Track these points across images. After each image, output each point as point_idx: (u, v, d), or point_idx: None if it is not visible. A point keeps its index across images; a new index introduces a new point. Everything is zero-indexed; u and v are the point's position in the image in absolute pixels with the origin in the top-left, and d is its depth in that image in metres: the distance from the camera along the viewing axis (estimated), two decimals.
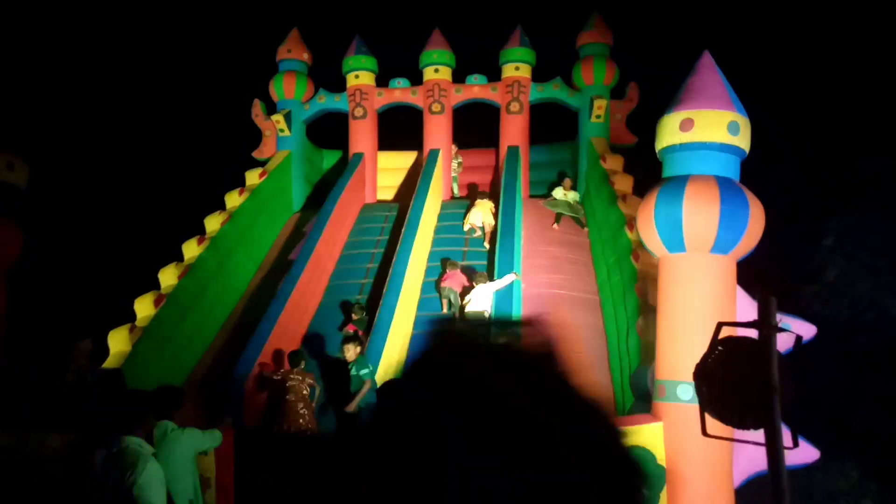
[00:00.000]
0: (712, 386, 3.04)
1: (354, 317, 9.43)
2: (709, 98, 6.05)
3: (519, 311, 8.83)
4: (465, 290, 9.66)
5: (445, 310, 9.98)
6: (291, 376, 7.94)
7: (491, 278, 9.74)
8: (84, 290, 15.15)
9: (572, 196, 12.28)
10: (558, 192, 12.15)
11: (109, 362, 8.47)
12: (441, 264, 10.75)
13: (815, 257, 12.56)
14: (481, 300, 9.02)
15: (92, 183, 17.70)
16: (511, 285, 9.27)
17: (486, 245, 11.21)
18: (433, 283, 10.70)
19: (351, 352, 7.82)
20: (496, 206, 11.56)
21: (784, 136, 15.18)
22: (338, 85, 14.01)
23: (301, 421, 7.71)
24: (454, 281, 9.88)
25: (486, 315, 9.04)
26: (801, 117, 15.74)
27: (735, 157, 6.19)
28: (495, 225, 11.05)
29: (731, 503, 5.95)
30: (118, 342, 8.63)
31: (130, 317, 9.21)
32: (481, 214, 11.43)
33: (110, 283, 13.60)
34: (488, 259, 10.82)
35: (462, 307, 9.47)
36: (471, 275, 9.91)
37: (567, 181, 12.40)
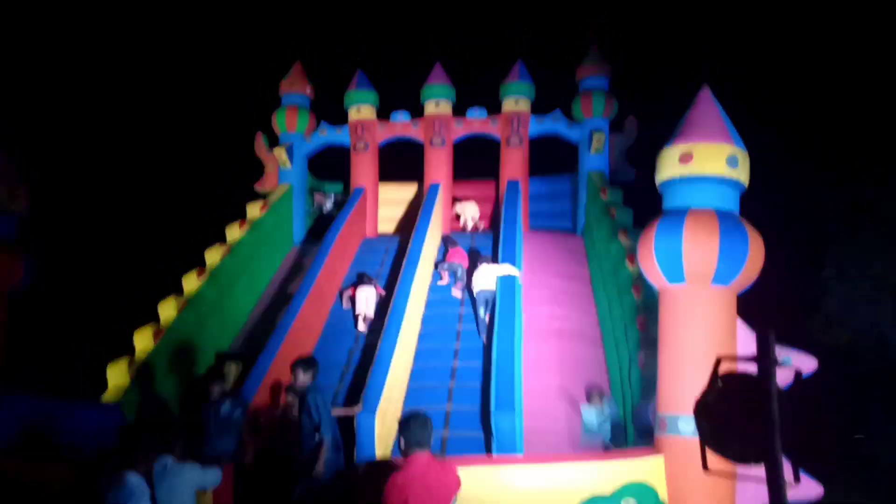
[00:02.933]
0: (712, 421, 3.03)
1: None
2: (708, 131, 6.12)
3: (520, 347, 8.79)
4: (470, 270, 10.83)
5: (447, 281, 11.22)
6: (292, 411, 7.83)
7: (492, 314, 9.78)
8: (84, 322, 15.12)
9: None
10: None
11: (108, 395, 8.42)
12: (442, 243, 12.19)
13: (816, 287, 12.58)
14: (490, 281, 9.89)
15: (95, 214, 17.78)
16: (514, 289, 9.61)
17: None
18: (433, 316, 10.68)
19: (302, 376, 6.72)
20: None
21: (784, 166, 15.29)
22: (339, 118, 14.17)
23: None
24: (459, 257, 11.26)
25: (493, 291, 9.82)
26: (802, 148, 15.88)
27: (734, 190, 6.24)
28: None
29: None
30: (117, 375, 8.59)
31: (130, 350, 9.18)
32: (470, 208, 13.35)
33: (110, 315, 13.59)
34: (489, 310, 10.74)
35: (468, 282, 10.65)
36: (476, 256, 11.04)
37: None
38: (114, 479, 4.25)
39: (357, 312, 10.63)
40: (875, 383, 11.98)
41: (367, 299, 10.61)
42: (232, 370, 8.73)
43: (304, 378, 6.70)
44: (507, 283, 9.86)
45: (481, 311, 10.01)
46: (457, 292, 11.06)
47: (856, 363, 11.98)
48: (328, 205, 14.07)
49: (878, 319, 11.72)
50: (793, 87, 16.82)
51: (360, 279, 10.99)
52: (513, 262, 10.28)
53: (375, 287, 10.80)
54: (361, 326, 10.56)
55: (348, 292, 11.03)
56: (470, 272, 10.73)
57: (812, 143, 15.59)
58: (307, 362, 6.81)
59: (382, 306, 10.61)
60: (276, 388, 8.54)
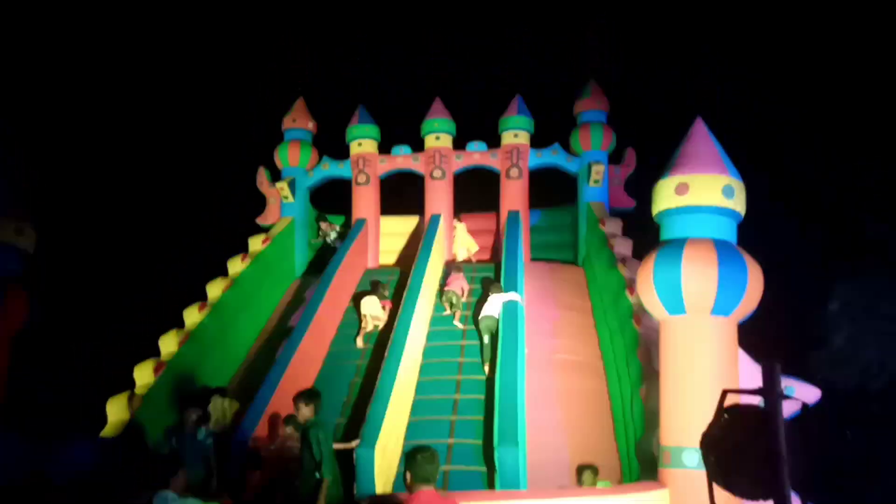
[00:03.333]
0: (719, 455, 3.00)
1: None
2: (703, 163, 6.20)
3: (523, 380, 8.75)
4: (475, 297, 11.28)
5: (448, 311, 11.16)
6: (289, 443, 7.77)
7: (494, 339, 9.77)
8: (85, 356, 15.06)
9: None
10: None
11: (107, 430, 8.36)
12: (445, 267, 12.27)
13: (822, 322, 12.52)
14: (494, 309, 10.05)
15: (97, 246, 17.82)
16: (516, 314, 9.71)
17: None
18: (435, 348, 10.64)
19: (305, 410, 6.58)
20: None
21: (789, 200, 15.36)
22: (341, 151, 14.31)
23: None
24: (456, 284, 11.27)
25: (497, 319, 9.94)
26: (807, 181, 15.95)
27: (731, 220, 6.29)
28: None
29: None
30: (117, 410, 8.53)
31: (130, 384, 9.13)
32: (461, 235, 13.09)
33: (111, 350, 13.53)
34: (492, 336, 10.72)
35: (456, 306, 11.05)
36: (488, 284, 11.15)
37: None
38: None
39: (362, 323, 11.04)
40: (886, 423, 11.83)
41: (370, 309, 10.99)
42: (219, 404, 8.60)
43: (306, 412, 6.59)
44: (509, 313, 9.86)
45: (485, 338, 10.02)
46: (458, 323, 11.05)
47: (867, 402, 11.86)
48: (332, 235, 14.04)
49: (886, 358, 11.63)
50: (800, 118, 16.95)
51: (372, 288, 11.55)
52: (514, 290, 10.29)
53: (382, 302, 11.18)
54: (360, 343, 10.79)
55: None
56: (481, 300, 10.85)
57: (816, 179, 15.68)
58: (310, 395, 6.70)
59: (384, 335, 10.60)
60: (276, 422, 8.48)
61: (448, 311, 11.30)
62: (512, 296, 10.15)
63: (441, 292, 11.60)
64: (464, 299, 11.40)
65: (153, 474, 4.90)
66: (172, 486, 4.81)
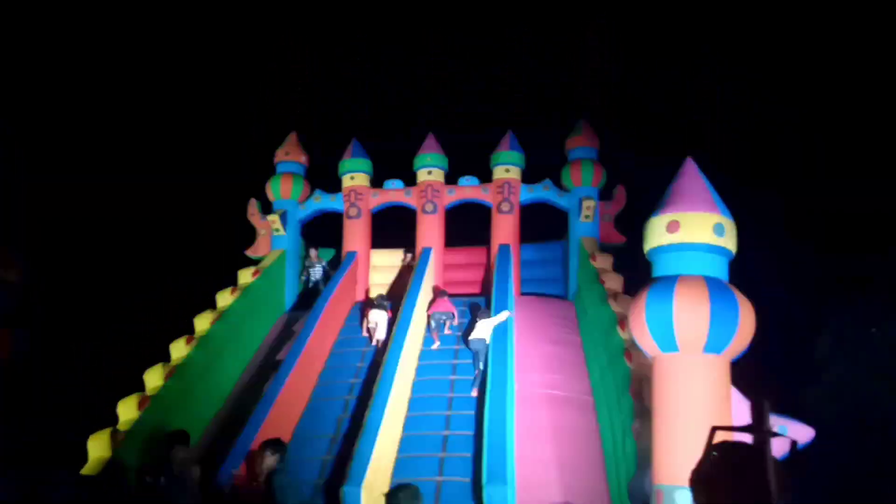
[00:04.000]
0: (709, 493, 2.95)
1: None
2: (694, 201, 6.24)
3: (512, 416, 8.64)
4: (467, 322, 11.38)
5: (436, 343, 11.33)
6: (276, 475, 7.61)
7: (483, 379, 9.69)
8: (68, 391, 14.82)
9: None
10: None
11: (88, 468, 8.17)
12: (433, 292, 12.36)
13: (816, 357, 12.47)
14: (483, 331, 10.30)
15: (83, 279, 17.68)
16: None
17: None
18: (424, 382, 10.54)
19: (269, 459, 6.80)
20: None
21: (781, 234, 15.42)
22: (333, 184, 14.34)
23: None
24: (443, 306, 11.64)
25: (487, 343, 10.19)
26: (798, 215, 16.04)
27: (722, 258, 6.30)
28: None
29: None
30: (98, 447, 8.35)
31: (113, 419, 8.96)
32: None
33: (95, 383, 13.33)
34: (483, 357, 10.70)
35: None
36: (476, 310, 11.33)
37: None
38: None
39: (369, 332, 11.62)
40: (882, 459, 11.72)
41: (377, 322, 11.52)
42: (178, 456, 7.39)
43: (270, 461, 6.79)
44: (499, 347, 9.80)
45: (480, 364, 10.17)
46: (448, 331, 11.46)
47: (862, 437, 11.74)
48: (318, 269, 13.80)
49: (882, 394, 11.55)
50: (794, 155, 17.12)
51: (375, 301, 11.95)
52: (504, 331, 10.24)
53: (387, 311, 11.62)
54: (373, 342, 11.49)
55: (365, 313, 11.90)
56: (470, 325, 11.04)
57: (809, 214, 15.79)
58: (276, 445, 6.97)
59: (372, 372, 10.49)
60: (262, 458, 8.29)
61: (436, 342, 11.36)
62: (501, 317, 10.46)
63: (428, 317, 11.72)
64: (454, 322, 11.64)
65: None
66: None
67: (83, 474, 8.01)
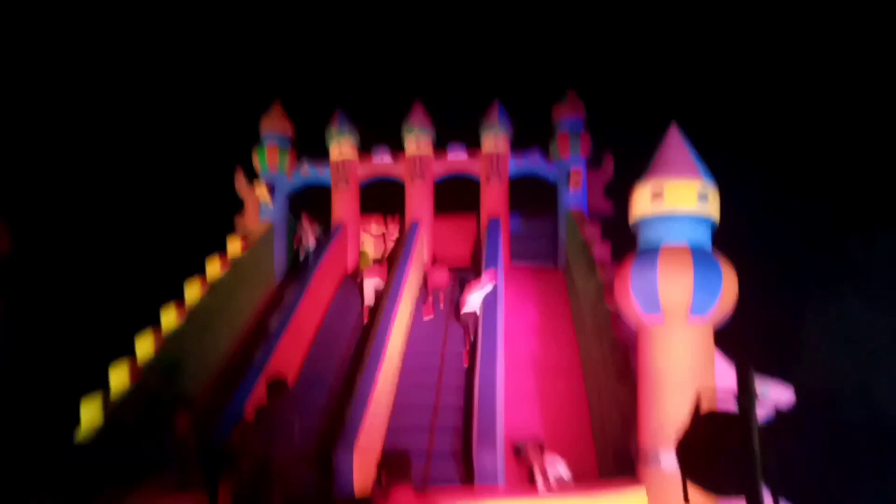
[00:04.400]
0: (693, 454, 3.07)
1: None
2: (678, 169, 6.28)
3: (501, 383, 8.80)
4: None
5: (431, 316, 11.58)
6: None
7: (474, 350, 9.83)
8: (60, 358, 14.82)
9: None
10: None
11: (81, 435, 8.23)
12: (430, 263, 12.83)
13: (799, 334, 12.70)
14: (473, 304, 10.54)
15: (70, 247, 17.56)
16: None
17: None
18: (414, 352, 10.66)
19: None
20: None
21: (768, 208, 15.58)
22: (320, 151, 14.24)
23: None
24: (439, 278, 11.88)
25: (477, 315, 10.38)
26: (788, 189, 16.21)
27: (706, 225, 6.37)
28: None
29: None
30: (91, 411, 8.40)
31: (105, 384, 9.00)
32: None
33: (86, 350, 13.33)
34: (473, 329, 10.81)
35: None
36: (466, 283, 11.39)
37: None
38: None
39: (366, 299, 12.02)
40: (858, 430, 12.05)
41: (373, 288, 12.00)
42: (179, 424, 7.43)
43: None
44: (488, 317, 9.92)
45: (472, 336, 10.35)
46: (441, 305, 11.70)
47: (839, 410, 12.05)
48: (311, 240, 13.72)
49: (859, 369, 11.82)
50: (785, 135, 17.22)
51: (368, 267, 12.49)
52: (494, 301, 10.34)
53: (380, 274, 12.09)
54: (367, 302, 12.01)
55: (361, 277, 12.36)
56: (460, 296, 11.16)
57: (800, 189, 15.94)
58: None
59: (363, 343, 10.61)
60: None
61: (431, 314, 11.56)
62: (487, 287, 10.64)
63: (424, 288, 12.03)
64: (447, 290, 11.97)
65: (134, 475, 4.86)
66: (156, 486, 4.77)
67: (78, 438, 8.07)
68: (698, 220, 6.26)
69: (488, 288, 10.68)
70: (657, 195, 6.22)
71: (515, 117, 13.92)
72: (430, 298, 11.76)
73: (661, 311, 6.10)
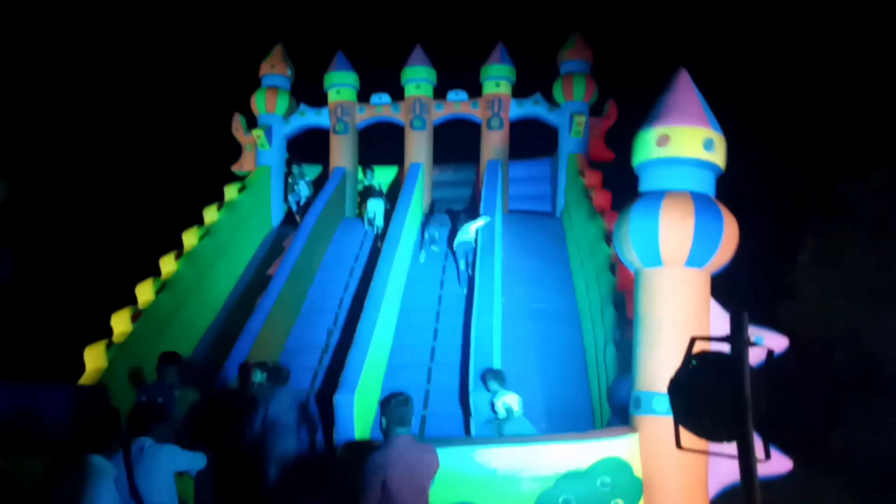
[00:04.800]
0: (686, 399, 3.09)
1: None
2: (685, 115, 6.15)
3: (499, 328, 8.87)
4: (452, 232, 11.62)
5: (432, 246, 11.81)
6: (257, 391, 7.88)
7: (470, 302, 9.88)
8: (61, 305, 14.95)
9: None
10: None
11: (85, 378, 8.36)
12: (429, 209, 13.09)
13: (791, 277, 12.73)
14: (467, 234, 10.71)
15: (68, 197, 17.52)
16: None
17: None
18: (413, 296, 10.73)
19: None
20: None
21: (764, 155, 15.43)
22: (319, 100, 14.05)
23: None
24: (437, 220, 12.20)
25: (473, 244, 10.61)
26: (781, 136, 16.04)
27: (710, 173, 6.29)
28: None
29: None
30: (94, 358, 8.52)
31: (107, 332, 9.10)
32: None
33: (87, 298, 13.43)
34: (470, 276, 10.86)
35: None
36: (460, 218, 11.67)
37: None
38: (74, 463, 4.23)
39: (369, 222, 12.55)
40: (849, 376, 12.20)
41: (375, 212, 12.48)
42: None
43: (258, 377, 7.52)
44: (486, 260, 9.93)
45: (461, 264, 10.69)
46: (434, 247, 11.80)
47: (830, 355, 12.18)
48: (302, 186, 13.29)
49: (851, 316, 11.88)
50: (776, 75, 16.96)
51: (369, 192, 12.83)
52: (491, 247, 10.34)
53: (385, 201, 12.36)
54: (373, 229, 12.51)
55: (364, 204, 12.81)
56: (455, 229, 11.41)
57: (792, 132, 15.77)
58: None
59: (362, 288, 10.66)
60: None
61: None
62: (480, 221, 10.77)
63: (422, 228, 12.19)
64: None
65: (129, 421, 4.92)
66: (153, 434, 4.83)
67: (81, 384, 8.19)
68: (704, 167, 6.17)
69: (485, 220, 10.76)
70: (663, 140, 6.11)
71: (519, 63, 13.64)
72: (427, 240, 11.87)
73: (659, 255, 6.07)
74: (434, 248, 11.81)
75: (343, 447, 5.80)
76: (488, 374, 7.57)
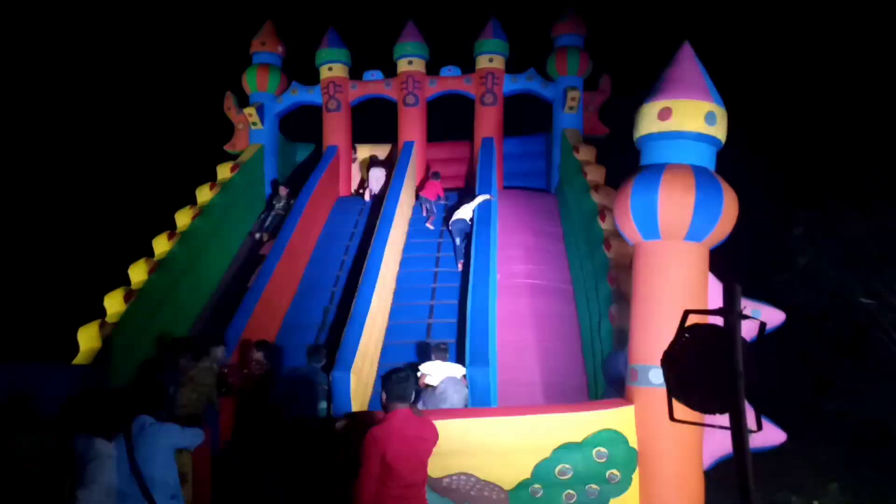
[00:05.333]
0: (679, 372, 3.11)
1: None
2: (688, 88, 6.11)
3: (494, 303, 8.90)
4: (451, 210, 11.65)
5: (424, 213, 12.10)
6: (259, 368, 7.96)
7: (467, 268, 9.91)
8: (53, 286, 14.91)
9: None
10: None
11: (79, 359, 8.37)
12: (425, 176, 13.11)
13: (786, 246, 12.78)
14: (465, 213, 10.97)
15: (62, 177, 17.39)
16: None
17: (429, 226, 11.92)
18: (408, 274, 10.75)
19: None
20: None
21: (760, 126, 15.39)
22: (311, 77, 13.93)
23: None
24: (430, 191, 12.24)
25: (468, 223, 10.85)
26: (777, 107, 16.00)
27: (711, 147, 6.27)
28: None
29: (701, 485, 6.07)
30: (88, 339, 8.52)
31: (101, 313, 9.09)
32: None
33: (80, 278, 13.40)
34: (465, 251, 10.87)
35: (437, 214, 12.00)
36: (459, 197, 12.07)
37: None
38: (75, 442, 4.26)
39: (370, 189, 13.08)
40: (843, 344, 12.31)
41: (377, 178, 13.07)
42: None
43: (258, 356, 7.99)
44: (481, 236, 9.94)
45: (457, 240, 10.85)
46: (429, 225, 11.90)
47: (823, 323, 12.27)
48: (281, 205, 12.44)
49: (846, 284, 11.95)
50: (776, 48, 16.85)
51: (373, 162, 13.61)
52: (487, 223, 10.35)
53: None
54: (367, 197, 13.01)
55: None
56: (454, 207, 11.62)
57: (787, 108, 15.73)
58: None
59: (357, 266, 10.67)
60: (249, 349, 8.55)
61: (425, 214, 12.06)
62: (480, 198, 10.99)
63: (417, 196, 12.41)
64: (442, 202, 12.43)
65: (129, 401, 4.94)
66: (152, 413, 4.86)
67: (75, 364, 8.21)
68: (705, 141, 6.15)
69: (483, 198, 10.97)
70: (665, 113, 6.08)
71: (512, 38, 13.52)
72: (424, 211, 12.05)
73: (658, 229, 6.07)
74: (429, 225, 11.85)
75: (342, 419, 5.85)
76: (434, 350, 7.56)
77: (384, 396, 4.45)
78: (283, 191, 12.67)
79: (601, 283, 8.42)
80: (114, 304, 9.07)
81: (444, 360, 7.39)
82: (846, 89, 15.20)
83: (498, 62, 13.38)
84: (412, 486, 4.37)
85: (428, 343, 8.82)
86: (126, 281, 9.66)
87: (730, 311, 2.97)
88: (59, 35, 18.23)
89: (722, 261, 6.55)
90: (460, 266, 10.66)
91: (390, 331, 9.65)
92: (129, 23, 19.01)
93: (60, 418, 5.39)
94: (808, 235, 12.28)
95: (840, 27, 15.87)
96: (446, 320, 9.62)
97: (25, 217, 15.38)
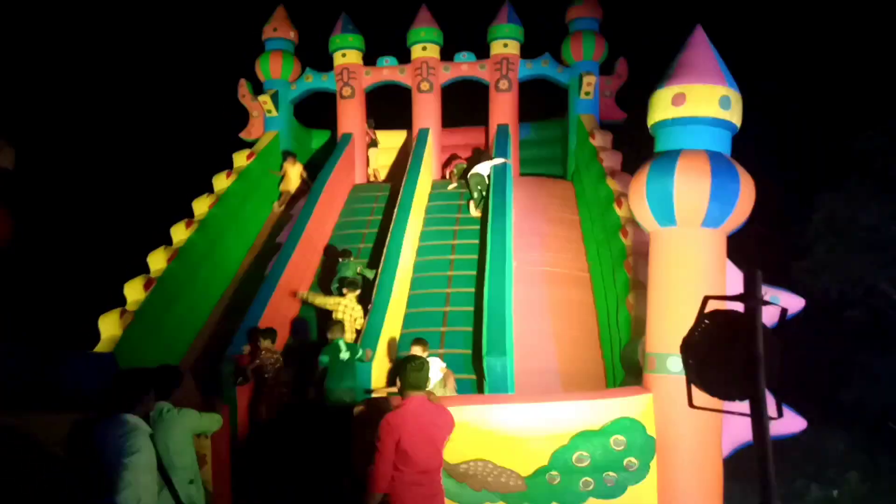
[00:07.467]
0: (699, 358, 3.08)
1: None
2: (701, 73, 6.02)
3: (511, 291, 8.88)
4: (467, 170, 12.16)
5: (454, 186, 12.40)
6: (265, 355, 8.01)
7: (483, 257, 9.88)
8: (73, 275, 15.09)
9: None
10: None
11: (101, 347, 8.47)
12: (448, 158, 13.68)
13: (806, 233, 12.64)
14: (483, 168, 11.52)
15: (79, 168, 17.55)
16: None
17: (476, 213, 11.64)
18: (425, 263, 10.74)
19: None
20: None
21: (778, 110, 15.18)
22: (325, 64, 13.91)
23: (282, 400, 7.88)
24: (483, 168, 11.86)
25: (485, 177, 11.44)
26: (795, 92, 15.75)
27: (726, 132, 6.19)
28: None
29: (720, 473, 6.04)
30: (109, 327, 8.62)
31: (121, 301, 9.19)
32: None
33: (99, 267, 13.54)
34: (480, 236, 10.85)
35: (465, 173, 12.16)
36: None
37: None
38: (111, 420, 4.31)
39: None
40: (862, 331, 12.19)
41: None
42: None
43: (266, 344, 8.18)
44: (497, 222, 9.91)
45: (474, 194, 11.44)
46: (474, 210, 11.60)
47: (843, 310, 12.16)
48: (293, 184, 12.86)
49: (866, 271, 11.81)
50: (793, 31, 16.57)
51: (373, 143, 13.99)
52: (503, 211, 10.29)
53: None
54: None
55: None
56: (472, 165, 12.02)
57: (808, 89, 15.48)
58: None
59: (375, 253, 10.67)
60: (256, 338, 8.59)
61: (453, 183, 12.43)
62: (499, 160, 11.51)
63: (465, 172, 12.26)
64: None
65: (151, 385, 4.98)
66: (172, 398, 4.91)
67: (97, 352, 8.31)
68: (720, 125, 6.06)
69: (500, 160, 11.47)
70: (679, 99, 6.00)
71: (527, 23, 13.39)
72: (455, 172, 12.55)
73: (675, 216, 6.01)
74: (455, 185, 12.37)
75: (360, 404, 5.88)
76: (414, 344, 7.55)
77: (399, 384, 4.47)
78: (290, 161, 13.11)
79: (618, 270, 8.38)
80: (133, 292, 9.16)
81: (425, 352, 7.37)
82: (867, 72, 14.95)
83: (513, 47, 13.27)
84: (427, 472, 4.39)
85: (443, 332, 8.85)
86: (145, 269, 9.75)
87: (750, 296, 2.93)
88: (79, 26, 18.34)
89: (740, 247, 6.48)
90: (478, 213, 11.32)
91: (408, 319, 9.67)
92: (143, 12, 19.07)
93: (89, 401, 5.48)
94: (829, 222, 12.12)
95: (859, 8, 15.58)
96: (463, 308, 9.61)
97: (47, 208, 15.54)
